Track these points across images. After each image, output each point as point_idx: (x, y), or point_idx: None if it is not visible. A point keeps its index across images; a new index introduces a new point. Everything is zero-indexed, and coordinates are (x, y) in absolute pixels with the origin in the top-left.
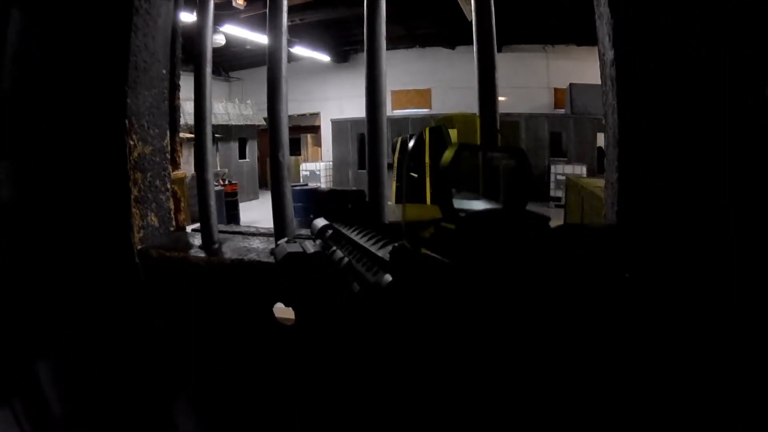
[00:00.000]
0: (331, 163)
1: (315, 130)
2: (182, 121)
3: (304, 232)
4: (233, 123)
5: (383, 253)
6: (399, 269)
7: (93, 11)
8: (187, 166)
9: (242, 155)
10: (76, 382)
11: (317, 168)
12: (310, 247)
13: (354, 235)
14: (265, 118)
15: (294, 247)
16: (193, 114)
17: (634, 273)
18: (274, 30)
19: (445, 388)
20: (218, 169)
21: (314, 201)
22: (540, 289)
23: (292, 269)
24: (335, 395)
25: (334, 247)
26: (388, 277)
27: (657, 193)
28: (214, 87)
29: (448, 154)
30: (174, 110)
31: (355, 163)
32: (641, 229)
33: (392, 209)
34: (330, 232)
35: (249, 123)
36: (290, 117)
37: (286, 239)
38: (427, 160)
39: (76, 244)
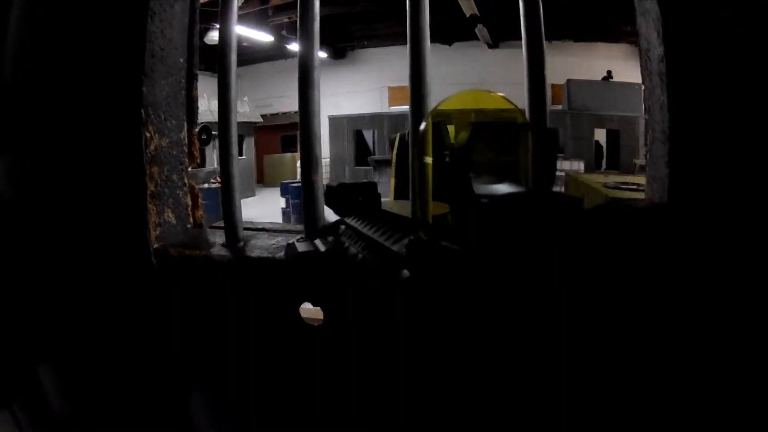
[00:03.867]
0: (328, 159)
1: None
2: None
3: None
4: None
5: (398, 247)
6: (416, 263)
7: None
8: None
9: (239, 152)
10: (82, 382)
11: None
12: (322, 245)
13: (366, 230)
14: (263, 115)
15: (306, 246)
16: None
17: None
18: (305, 36)
19: (458, 384)
20: (215, 166)
21: (325, 195)
22: (575, 280)
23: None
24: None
25: (347, 243)
26: (406, 273)
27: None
28: (208, 84)
29: (463, 135)
30: (191, 101)
31: (352, 160)
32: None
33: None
34: (342, 227)
35: (246, 120)
36: (286, 114)
37: (297, 238)
38: (428, 157)
39: (85, 243)
